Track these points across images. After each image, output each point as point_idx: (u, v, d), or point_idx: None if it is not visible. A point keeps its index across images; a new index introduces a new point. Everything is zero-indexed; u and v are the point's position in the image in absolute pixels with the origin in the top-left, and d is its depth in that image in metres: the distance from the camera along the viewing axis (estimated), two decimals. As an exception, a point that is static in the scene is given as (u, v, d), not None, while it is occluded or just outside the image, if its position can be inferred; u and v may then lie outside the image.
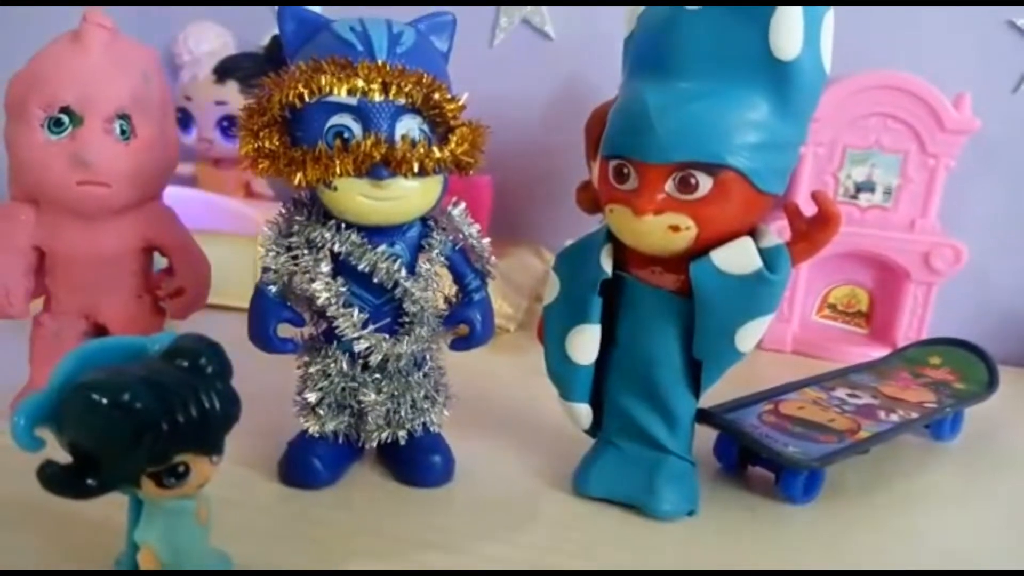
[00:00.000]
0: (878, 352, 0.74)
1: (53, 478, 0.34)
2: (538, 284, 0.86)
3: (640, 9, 0.46)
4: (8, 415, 0.54)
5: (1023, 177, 0.85)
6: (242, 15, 0.97)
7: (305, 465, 0.51)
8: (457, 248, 0.52)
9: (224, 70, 0.86)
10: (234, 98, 0.85)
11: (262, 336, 0.49)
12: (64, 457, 0.34)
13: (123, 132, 0.53)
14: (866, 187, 0.79)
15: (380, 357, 0.49)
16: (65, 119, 0.51)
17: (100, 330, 0.57)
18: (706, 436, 0.54)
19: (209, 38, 0.91)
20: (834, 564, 0.47)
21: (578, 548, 0.47)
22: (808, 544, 0.49)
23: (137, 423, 0.33)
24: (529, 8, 0.93)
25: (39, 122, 0.51)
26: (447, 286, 0.53)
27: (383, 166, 0.45)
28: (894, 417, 0.58)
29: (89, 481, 0.34)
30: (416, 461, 0.52)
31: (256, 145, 0.45)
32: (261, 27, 0.97)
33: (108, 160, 0.52)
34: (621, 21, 0.49)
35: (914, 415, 0.59)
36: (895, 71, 0.76)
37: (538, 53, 0.94)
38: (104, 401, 0.33)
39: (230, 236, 0.80)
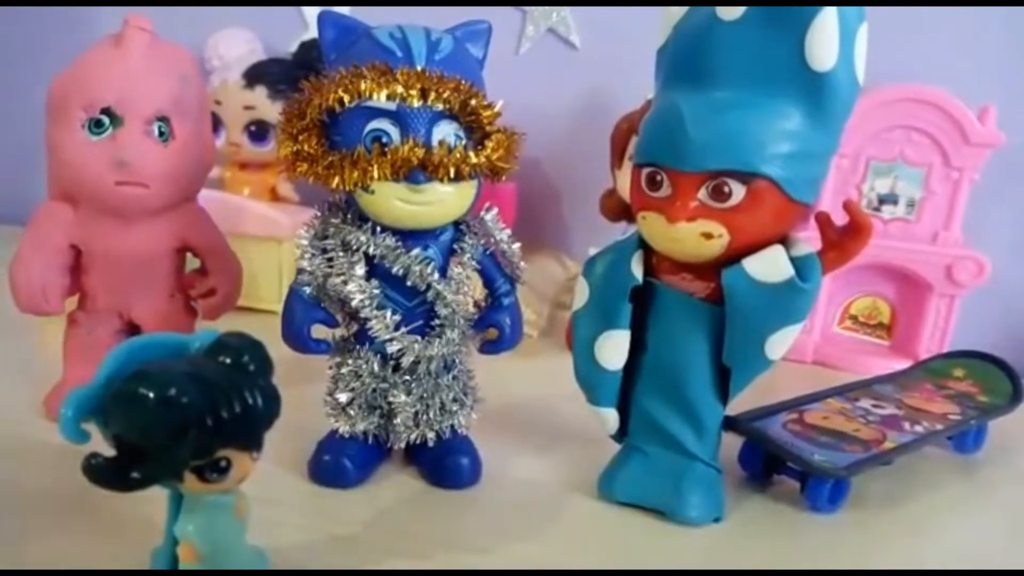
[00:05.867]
0: (899, 364, 0.74)
1: (98, 470, 0.34)
2: (560, 291, 0.86)
3: (674, 19, 0.47)
4: (43, 411, 0.56)
5: (1048, 191, 0.85)
6: (271, 22, 0.98)
7: (335, 465, 0.51)
8: (488, 253, 0.52)
9: (253, 75, 0.86)
10: (262, 103, 0.86)
11: (296, 336, 0.50)
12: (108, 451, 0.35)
13: (161, 134, 0.54)
14: (889, 199, 0.79)
15: (412, 359, 0.49)
16: (105, 120, 0.52)
17: (133, 328, 0.58)
18: (730, 444, 0.55)
19: (238, 44, 0.91)
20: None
21: (603, 552, 0.48)
22: (833, 553, 0.49)
23: (182, 417, 0.33)
24: (555, 17, 0.94)
25: (80, 123, 0.52)
26: (477, 290, 0.53)
27: (420, 170, 0.45)
28: (919, 428, 0.58)
29: (134, 474, 0.34)
30: (444, 463, 0.53)
31: (295, 148, 0.46)
32: (289, 33, 0.98)
33: (146, 161, 0.53)
34: (647, 31, 0.49)
35: (939, 427, 0.59)
36: (920, 84, 0.76)
37: (563, 62, 0.95)
38: (151, 395, 0.33)
39: (256, 239, 0.81)
